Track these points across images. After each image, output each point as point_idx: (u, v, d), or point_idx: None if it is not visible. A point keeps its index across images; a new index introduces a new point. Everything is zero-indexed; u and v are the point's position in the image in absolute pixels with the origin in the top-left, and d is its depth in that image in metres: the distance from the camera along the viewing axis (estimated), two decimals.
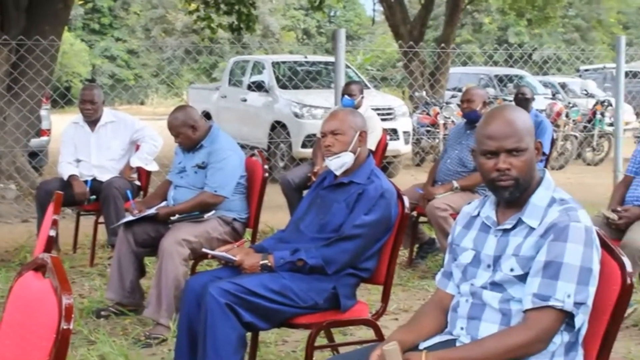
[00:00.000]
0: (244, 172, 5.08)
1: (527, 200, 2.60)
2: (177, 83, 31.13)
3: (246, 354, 3.67)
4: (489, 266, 2.61)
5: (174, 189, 5.12)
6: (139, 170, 6.60)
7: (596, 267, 2.49)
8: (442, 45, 13.81)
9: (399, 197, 3.76)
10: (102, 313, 5.14)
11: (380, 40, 41.17)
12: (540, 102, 13.67)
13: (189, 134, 5.01)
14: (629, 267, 2.54)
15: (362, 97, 7.52)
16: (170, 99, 32.61)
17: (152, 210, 4.99)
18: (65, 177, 6.32)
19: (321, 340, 4.04)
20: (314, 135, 9.39)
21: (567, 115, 14.38)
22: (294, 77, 12.24)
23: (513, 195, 2.59)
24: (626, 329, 4.87)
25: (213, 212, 4.95)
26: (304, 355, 4.35)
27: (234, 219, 5.02)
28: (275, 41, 37.08)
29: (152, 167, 6.66)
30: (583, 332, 2.53)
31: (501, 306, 2.55)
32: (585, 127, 14.60)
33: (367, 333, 4.59)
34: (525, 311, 2.47)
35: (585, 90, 15.90)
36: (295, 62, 13.92)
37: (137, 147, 6.59)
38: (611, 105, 14.01)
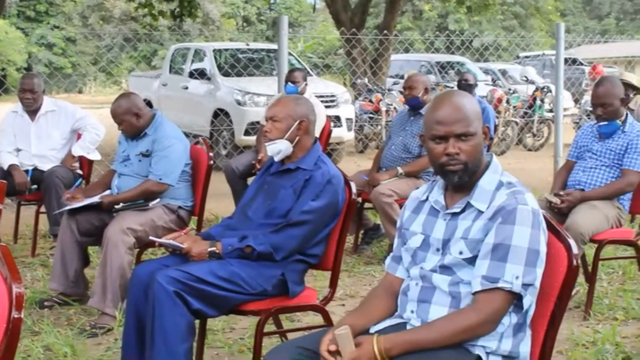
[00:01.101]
0: (188, 160, 5.04)
1: (475, 184, 2.63)
2: (116, 71, 30.75)
3: (194, 342, 3.65)
4: (438, 250, 2.64)
5: (118, 177, 5.06)
6: (81, 159, 6.51)
7: (543, 249, 2.53)
8: (385, 32, 13.84)
9: (346, 183, 3.76)
10: (46, 303, 5.06)
11: (321, 27, 41.19)
12: (481, 89, 13.81)
13: (133, 121, 4.95)
14: (574, 249, 2.58)
15: (306, 84, 7.53)
16: (109, 87, 32.21)
17: (96, 199, 4.92)
18: (6, 167, 6.21)
19: (269, 327, 4.03)
20: (257, 122, 9.35)
21: (507, 102, 14.54)
22: (236, 65, 12.16)
23: (462, 180, 2.61)
24: (569, 311, 4.96)
25: (158, 200, 4.91)
26: (251, 342, 4.36)
27: (179, 207, 4.99)
28: (216, 28, 36.83)
29: (95, 156, 6.57)
30: (531, 313, 2.57)
31: (451, 289, 2.58)
32: (525, 113, 14.76)
33: (315, 319, 4.61)
34: (475, 293, 2.51)
35: (525, 76, 16.07)
36: (237, 50, 13.84)
37: (79, 136, 6.50)
38: (550, 91, 14.22)
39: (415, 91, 6.38)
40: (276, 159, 3.78)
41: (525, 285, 2.48)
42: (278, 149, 3.73)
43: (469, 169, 2.60)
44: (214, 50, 13.09)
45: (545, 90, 14.75)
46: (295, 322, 4.82)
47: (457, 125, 2.58)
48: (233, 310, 3.58)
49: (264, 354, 3.17)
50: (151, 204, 4.88)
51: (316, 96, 8.32)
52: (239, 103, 11.53)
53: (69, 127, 6.45)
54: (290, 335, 3.94)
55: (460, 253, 2.57)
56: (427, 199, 2.76)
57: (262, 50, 14.22)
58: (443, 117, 2.59)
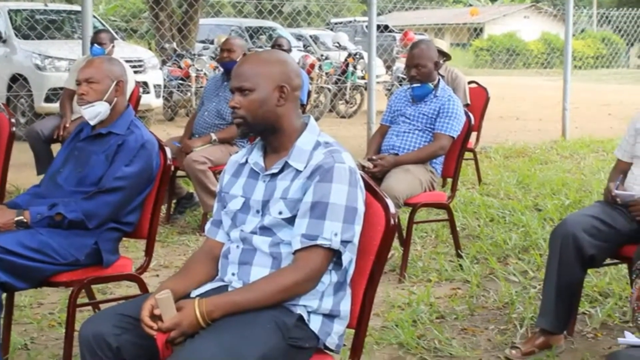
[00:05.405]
0: None
1: (293, 145, 2.63)
2: None
3: (1, 318, 3.44)
4: (258, 211, 2.63)
5: None
6: None
7: (361, 207, 2.58)
8: None
9: (161, 148, 3.66)
10: None
11: None
12: (293, 55, 13.77)
13: None
14: (392, 209, 2.63)
15: (113, 46, 7.26)
16: None
17: None
18: None
19: (81, 300, 3.87)
20: (60, 88, 8.96)
21: (320, 68, 14.53)
22: (36, 26, 11.55)
23: (244, 134, 2.68)
24: (385, 274, 5.04)
25: None
26: (62, 316, 4.20)
27: None
28: None
29: None
30: (351, 271, 2.61)
31: (271, 250, 2.58)
32: (338, 79, 14.77)
33: (128, 290, 4.49)
34: (295, 252, 2.52)
35: (337, 43, 16.14)
36: (35, 10, 13.11)
37: None
38: (363, 58, 14.36)
39: (234, 55, 6.28)
40: (93, 122, 3.62)
41: (344, 242, 2.52)
42: (97, 111, 3.59)
43: (249, 123, 2.63)
44: (9, 11, 12.33)
45: (357, 56, 14.78)
46: (107, 295, 4.66)
47: (238, 79, 2.65)
48: (44, 282, 3.40)
49: (77, 327, 3.04)
50: None
51: (124, 61, 8.05)
52: (38, 68, 11.01)
53: None
54: (104, 307, 3.79)
55: (280, 213, 2.57)
56: (246, 161, 2.74)
57: (63, 11, 13.58)
58: (233, 72, 2.69)
